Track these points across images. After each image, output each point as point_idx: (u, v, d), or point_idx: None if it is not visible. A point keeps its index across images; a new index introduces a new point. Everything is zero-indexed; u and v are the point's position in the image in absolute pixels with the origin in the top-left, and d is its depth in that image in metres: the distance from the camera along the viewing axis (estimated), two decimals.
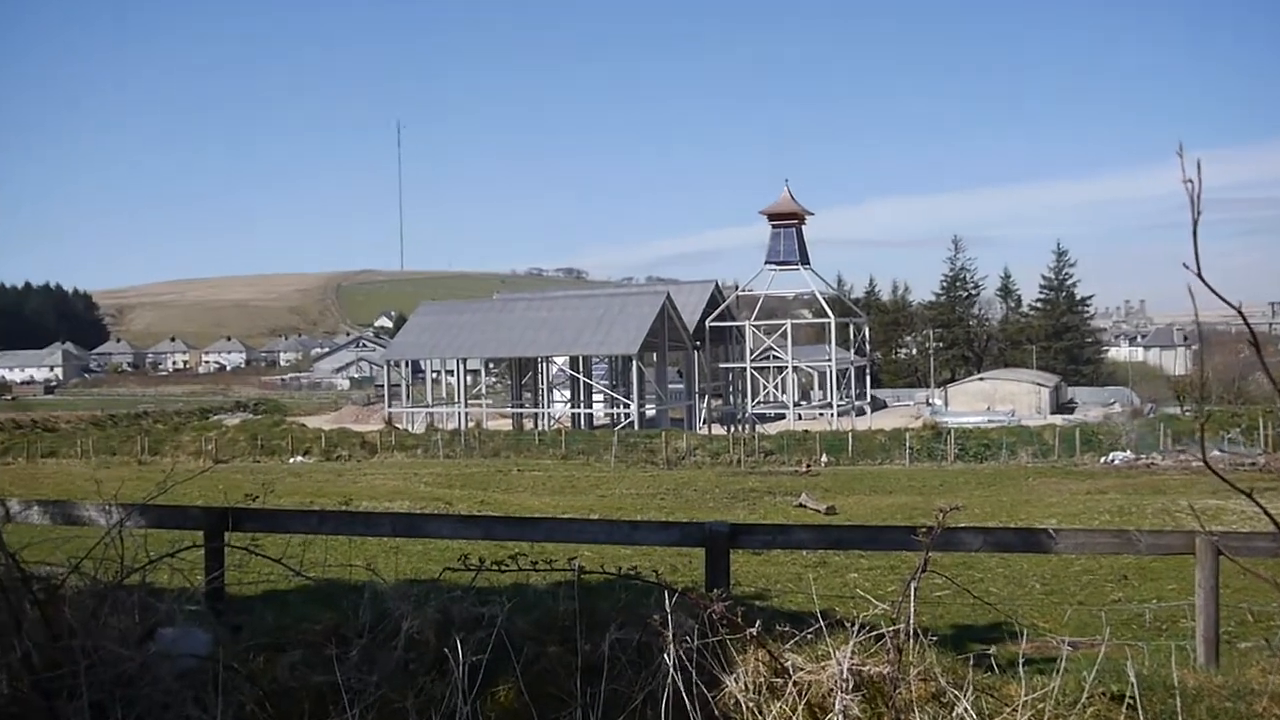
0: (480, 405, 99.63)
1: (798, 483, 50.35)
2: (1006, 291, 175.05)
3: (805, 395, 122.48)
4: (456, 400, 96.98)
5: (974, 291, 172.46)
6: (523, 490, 47.57)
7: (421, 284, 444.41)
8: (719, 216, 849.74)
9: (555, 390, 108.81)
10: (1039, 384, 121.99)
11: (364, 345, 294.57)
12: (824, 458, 64.90)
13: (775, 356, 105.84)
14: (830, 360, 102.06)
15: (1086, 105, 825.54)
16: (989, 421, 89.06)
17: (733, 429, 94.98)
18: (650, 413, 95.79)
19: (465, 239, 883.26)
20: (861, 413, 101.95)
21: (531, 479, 54.78)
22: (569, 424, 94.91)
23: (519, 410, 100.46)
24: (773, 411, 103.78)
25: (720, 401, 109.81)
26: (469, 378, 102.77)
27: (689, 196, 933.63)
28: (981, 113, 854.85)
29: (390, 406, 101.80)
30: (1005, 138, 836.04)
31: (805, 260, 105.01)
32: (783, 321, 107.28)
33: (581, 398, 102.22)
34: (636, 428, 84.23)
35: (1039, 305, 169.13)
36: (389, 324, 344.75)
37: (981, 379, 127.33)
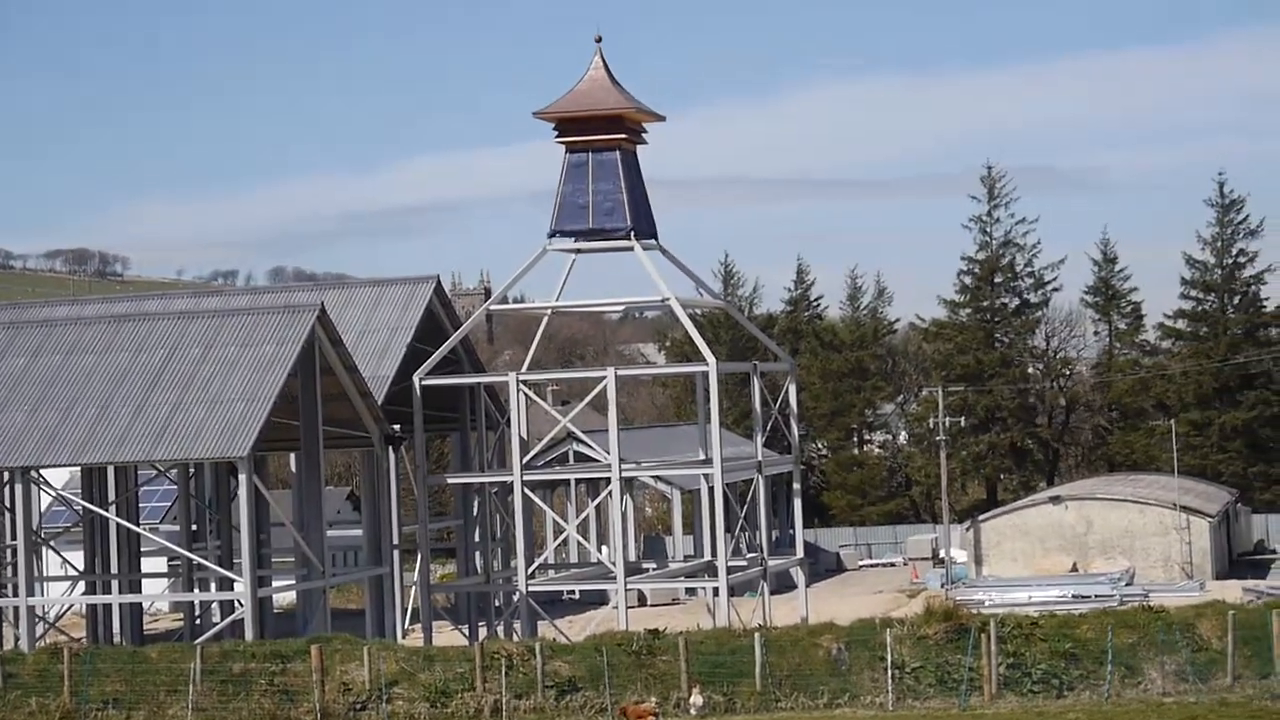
0: None
1: None
2: (1109, 297, 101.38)
3: (652, 547, 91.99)
4: None
5: (1034, 299, 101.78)
6: None
7: None
8: (422, 133, 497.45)
9: (46, 549, 72.45)
10: (1191, 510, 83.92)
11: None
12: (695, 695, 45.24)
13: (583, 455, 78.85)
14: (714, 462, 60.10)
15: None
16: (1075, 598, 68.54)
17: (486, 630, 67.07)
18: (285, 598, 73.21)
19: None
20: (785, 586, 72.23)
21: None
22: (85, 632, 69.18)
23: None
24: (577, 587, 73.95)
25: (452, 565, 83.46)
26: None
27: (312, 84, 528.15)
28: None
29: None
30: None
31: (647, 229, 60.31)
32: (599, 372, 64.13)
33: (115, 565, 68.45)
34: (252, 634, 54.30)
35: (1182, 327, 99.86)
36: None
37: (1058, 499, 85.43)
